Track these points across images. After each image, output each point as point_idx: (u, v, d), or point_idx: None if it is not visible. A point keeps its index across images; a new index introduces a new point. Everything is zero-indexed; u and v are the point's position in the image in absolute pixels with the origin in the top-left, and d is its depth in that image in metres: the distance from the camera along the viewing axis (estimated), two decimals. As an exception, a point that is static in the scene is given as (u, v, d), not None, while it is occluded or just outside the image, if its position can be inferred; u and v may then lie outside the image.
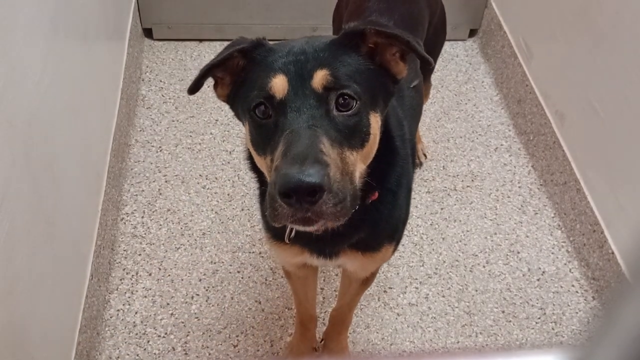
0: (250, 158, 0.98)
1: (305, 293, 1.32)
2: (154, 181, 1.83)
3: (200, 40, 2.30)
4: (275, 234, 1.06)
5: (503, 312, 1.58)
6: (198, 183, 1.82)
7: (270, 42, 0.94)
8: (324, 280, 1.62)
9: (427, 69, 1.56)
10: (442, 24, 1.63)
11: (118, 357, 1.44)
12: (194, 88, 0.95)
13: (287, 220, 0.77)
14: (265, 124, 0.84)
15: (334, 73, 0.82)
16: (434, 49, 1.59)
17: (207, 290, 1.57)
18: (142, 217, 1.73)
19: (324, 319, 1.54)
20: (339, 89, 0.82)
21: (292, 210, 0.75)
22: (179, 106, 2.06)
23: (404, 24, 1.31)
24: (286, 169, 0.74)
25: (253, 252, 1.67)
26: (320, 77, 0.82)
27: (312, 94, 0.82)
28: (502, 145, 2.01)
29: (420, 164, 1.90)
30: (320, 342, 1.47)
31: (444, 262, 1.68)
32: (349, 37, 0.87)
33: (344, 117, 0.82)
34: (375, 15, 1.30)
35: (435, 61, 1.62)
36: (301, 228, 0.82)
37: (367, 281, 1.27)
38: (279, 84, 0.83)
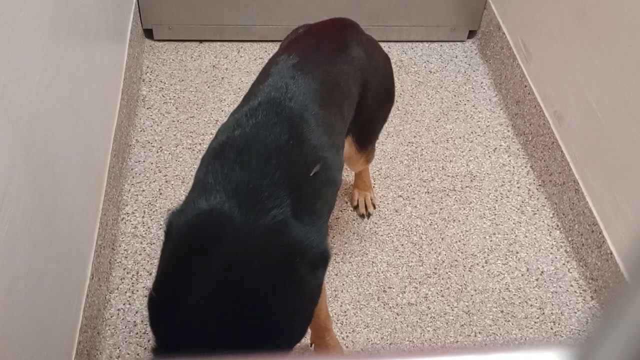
0: None
1: None
2: (154, 181, 1.83)
3: (201, 41, 2.30)
4: None
5: (502, 311, 1.59)
6: (198, 183, 1.82)
7: None
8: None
9: (368, 137, 1.45)
10: (386, 92, 1.44)
11: (119, 357, 1.44)
12: None
13: None
14: None
15: None
16: (376, 118, 1.45)
17: (207, 290, 1.58)
18: (143, 217, 1.74)
19: (323, 319, 1.54)
20: None
21: None
22: (180, 107, 2.06)
23: (322, 88, 1.14)
24: None
25: (253, 252, 1.67)
26: None
27: None
28: (501, 145, 2.02)
29: (369, 214, 1.77)
30: (310, 345, 1.47)
31: (443, 262, 1.68)
32: None
33: None
34: (286, 74, 1.13)
35: (381, 127, 1.51)
36: None
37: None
38: None
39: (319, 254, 1.00)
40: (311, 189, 1.05)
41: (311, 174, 1.05)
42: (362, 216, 1.77)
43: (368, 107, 1.33)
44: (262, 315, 0.92)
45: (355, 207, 1.79)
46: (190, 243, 0.96)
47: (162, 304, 0.96)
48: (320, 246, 1.00)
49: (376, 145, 1.62)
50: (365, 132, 1.42)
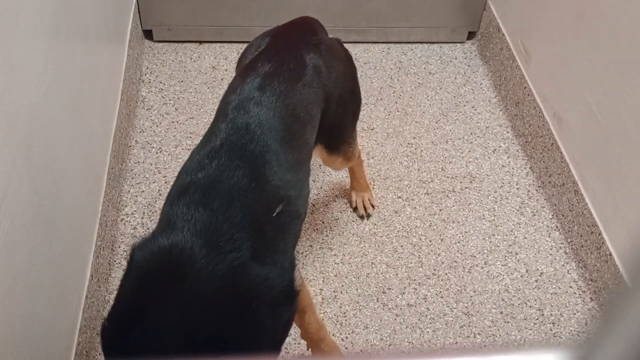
0: None
1: None
2: (153, 182, 1.83)
3: (201, 42, 2.31)
4: None
5: (501, 313, 1.59)
6: (197, 184, 1.82)
7: None
8: (322, 281, 1.62)
9: (337, 142, 1.44)
10: (350, 95, 1.41)
11: (118, 358, 1.44)
12: None
13: None
14: None
15: None
16: (343, 122, 1.43)
17: (206, 291, 1.58)
18: (142, 217, 1.74)
19: (322, 320, 1.54)
20: None
21: None
22: (179, 107, 2.06)
23: (282, 125, 1.13)
24: None
25: (252, 253, 1.67)
26: None
27: None
28: (500, 147, 2.02)
29: (369, 215, 1.77)
30: (308, 349, 1.46)
31: (443, 263, 1.68)
32: None
33: None
34: (244, 111, 1.11)
35: (353, 126, 1.49)
36: None
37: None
38: None
39: (281, 292, 1.01)
40: (274, 228, 1.06)
41: (274, 214, 1.05)
42: (361, 217, 1.77)
43: (333, 115, 1.32)
44: (218, 357, 0.92)
45: (355, 209, 1.79)
46: (148, 279, 0.97)
47: (113, 335, 0.96)
48: (281, 284, 1.01)
49: (360, 145, 1.62)
50: (334, 138, 1.41)
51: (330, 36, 1.48)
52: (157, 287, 0.95)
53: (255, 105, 1.12)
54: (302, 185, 1.16)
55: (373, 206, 1.78)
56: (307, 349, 1.44)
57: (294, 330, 1.48)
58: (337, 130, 1.41)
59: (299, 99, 1.19)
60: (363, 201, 1.77)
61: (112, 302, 1.02)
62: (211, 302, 0.94)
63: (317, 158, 1.54)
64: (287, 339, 1.48)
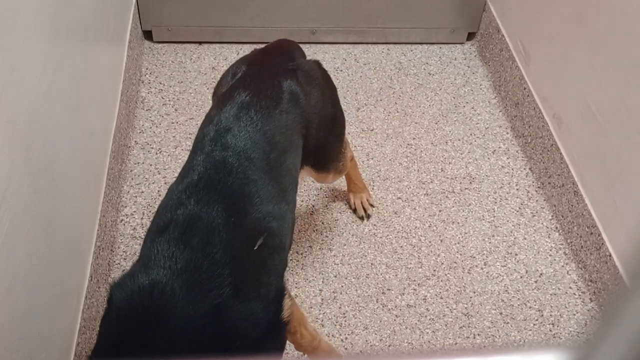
0: None
1: None
2: (153, 183, 1.83)
3: (200, 43, 2.31)
4: None
5: (501, 313, 1.59)
6: (197, 185, 1.82)
7: None
8: (322, 281, 1.62)
9: (325, 162, 1.43)
10: (332, 118, 1.39)
11: (117, 358, 1.44)
12: None
13: None
14: None
15: None
16: (328, 143, 1.41)
17: (206, 291, 1.58)
18: (142, 218, 1.74)
19: (322, 321, 1.54)
20: None
21: None
22: (179, 108, 2.06)
23: (260, 154, 1.11)
24: None
25: (252, 254, 1.67)
26: None
27: None
28: (500, 147, 2.02)
29: (369, 216, 1.77)
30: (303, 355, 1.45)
31: (442, 263, 1.68)
32: None
33: None
34: (221, 144, 1.10)
35: (339, 145, 1.47)
36: None
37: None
38: None
39: (266, 327, 1.00)
40: (256, 262, 1.04)
41: (255, 248, 1.04)
42: (361, 218, 1.77)
43: (315, 140, 1.30)
44: None
45: (354, 211, 1.78)
46: (128, 321, 0.95)
47: None
48: (266, 318, 1.00)
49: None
50: (320, 159, 1.40)
51: (309, 58, 1.45)
52: (137, 328, 0.94)
53: (232, 137, 1.10)
54: (284, 216, 1.13)
55: (372, 206, 1.78)
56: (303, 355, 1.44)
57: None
58: (322, 152, 1.39)
59: (276, 125, 1.17)
60: (362, 202, 1.77)
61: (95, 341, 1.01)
62: (193, 343, 0.93)
63: (309, 179, 1.53)
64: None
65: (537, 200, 1.86)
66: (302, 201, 1.81)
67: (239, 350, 0.95)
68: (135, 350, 0.92)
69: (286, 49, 1.42)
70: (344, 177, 1.77)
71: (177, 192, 1.06)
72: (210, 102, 2.06)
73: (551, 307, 1.61)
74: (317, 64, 1.43)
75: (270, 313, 1.01)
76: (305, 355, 1.42)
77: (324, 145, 1.39)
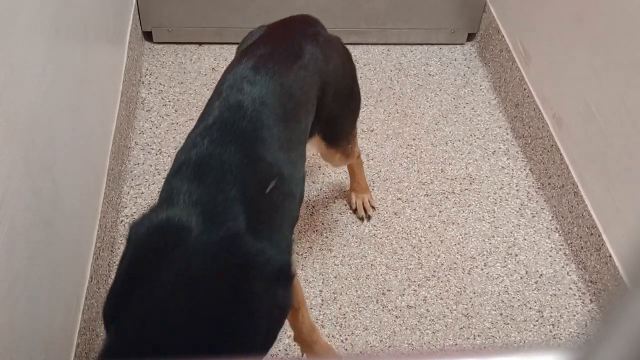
0: None
1: None
2: (153, 184, 1.83)
3: (200, 44, 2.31)
4: None
5: (501, 314, 1.59)
6: (197, 185, 1.82)
7: None
8: (322, 282, 1.62)
9: (335, 135, 1.43)
10: (347, 90, 1.41)
11: (117, 359, 1.44)
12: None
13: None
14: None
15: None
16: (341, 116, 1.43)
17: (206, 292, 1.58)
18: (141, 219, 1.74)
19: (322, 322, 1.54)
20: None
21: None
22: (179, 109, 2.06)
23: (276, 102, 1.13)
24: None
25: (252, 255, 1.67)
26: None
27: None
28: (500, 148, 2.02)
29: (369, 217, 1.77)
30: (302, 355, 1.44)
31: (442, 264, 1.68)
32: None
33: None
34: (238, 89, 1.12)
35: (352, 123, 1.49)
36: None
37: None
38: None
39: (276, 270, 1.00)
40: (268, 205, 1.06)
41: (267, 191, 1.05)
42: (361, 219, 1.77)
43: (330, 107, 1.32)
44: (213, 326, 0.93)
45: (354, 211, 1.78)
46: (147, 249, 0.98)
47: (113, 309, 0.97)
48: (277, 262, 1.00)
49: (359, 147, 1.62)
50: (332, 131, 1.42)
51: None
52: (154, 257, 0.96)
53: (249, 84, 1.12)
54: (295, 165, 1.15)
55: (373, 208, 1.78)
56: (302, 355, 1.44)
57: (288, 330, 1.49)
58: (334, 122, 1.41)
59: (294, 79, 1.19)
60: (363, 203, 1.77)
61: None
62: (209, 271, 0.95)
63: (317, 154, 1.54)
64: (284, 342, 1.48)
65: (537, 201, 1.86)
66: (302, 202, 1.81)
67: (252, 281, 0.96)
68: (151, 278, 0.93)
69: (309, 20, 1.45)
70: (347, 174, 1.77)
71: (193, 136, 1.08)
72: (210, 102, 2.06)
73: (551, 308, 1.61)
74: (339, 38, 1.45)
75: (280, 259, 1.02)
76: (304, 356, 1.42)
77: (337, 117, 1.41)
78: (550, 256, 1.72)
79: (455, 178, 1.91)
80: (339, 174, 1.88)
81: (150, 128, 2.00)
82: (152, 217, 0.99)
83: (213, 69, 2.20)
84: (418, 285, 1.63)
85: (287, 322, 1.52)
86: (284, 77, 1.16)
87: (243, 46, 1.36)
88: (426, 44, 2.38)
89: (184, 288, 0.94)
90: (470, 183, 1.90)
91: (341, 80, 1.36)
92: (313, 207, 1.81)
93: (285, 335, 1.50)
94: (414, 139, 2.02)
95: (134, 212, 1.75)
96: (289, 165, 1.12)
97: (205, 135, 1.05)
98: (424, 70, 2.28)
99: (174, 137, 1.97)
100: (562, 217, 1.78)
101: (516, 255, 1.72)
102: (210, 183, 1.00)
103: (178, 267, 0.94)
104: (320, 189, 1.85)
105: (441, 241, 1.74)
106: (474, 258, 1.71)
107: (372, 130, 2.04)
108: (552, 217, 1.82)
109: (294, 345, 1.46)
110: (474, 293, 1.63)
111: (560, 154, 1.79)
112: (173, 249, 0.95)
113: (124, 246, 1.02)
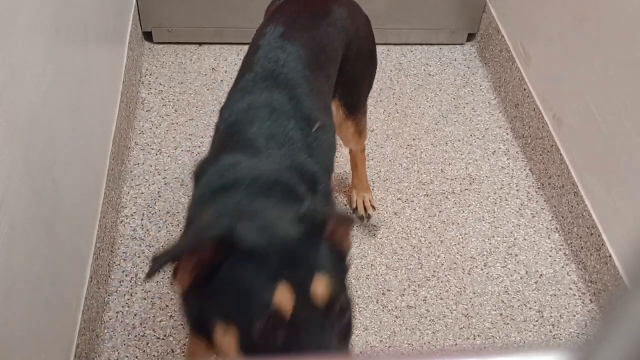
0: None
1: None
2: (153, 184, 1.83)
3: (200, 44, 2.31)
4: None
5: (501, 314, 1.59)
6: (197, 185, 1.82)
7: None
8: (322, 282, 1.62)
9: (354, 100, 1.48)
10: (369, 52, 1.48)
11: (117, 359, 1.44)
12: (151, 274, 0.79)
13: None
14: (269, 339, 0.75)
15: (331, 280, 0.78)
16: (361, 80, 1.48)
17: (206, 292, 1.58)
18: (142, 219, 1.74)
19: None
20: (338, 299, 0.79)
21: None
22: (179, 109, 2.06)
23: (309, 54, 1.21)
24: None
25: (252, 255, 1.67)
26: (322, 290, 0.77)
27: (317, 308, 0.76)
28: (500, 148, 2.02)
29: (369, 216, 1.77)
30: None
31: (442, 264, 1.68)
32: (314, 228, 0.83)
33: (341, 327, 0.80)
34: (274, 44, 1.21)
35: (365, 93, 1.54)
36: None
37: None
38: (285, 299, 0.74)
39: (328, 191, 1.12)
40: (315, 142, 1.14)
41: (313, 130, 1.15)
42: (361, 218, 1.77)
43: (352, 67, 1.38)
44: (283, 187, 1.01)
45: (354, 210, 1.78)
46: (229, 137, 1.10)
47: (203, 168, 1.07)
48: (327, 186, 1.12)
49: (368, 134, 1.65)
50: (351, 94, 1.46)
51: None
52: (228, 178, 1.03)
53: (283, 39, 1.21)
54: (329, 114, 1.26)
55: (373, 207, 1.78)
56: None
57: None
58: (354, 85, 1.46)
59: (323, 34, 1.28)
60: (364, 202, 1.77)
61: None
62: (280, 183, 1.01)
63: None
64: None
65: (537, 201, 1.86)
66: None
67: (319, 193, 1.05)
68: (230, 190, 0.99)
69: None
70: (347, 171, 1.78)
71: (238, 88, 1.17)
72: (210, 102, 2.07)
73: (551, 308, 1.61)
74: (358, 4, 1.51)
75: (329, 188, 1.13)
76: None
77: (357, 79, 1.47)
78: (550, 256, 1.72)
79: (455, 178, 1.91)
80: (338, 173, 1.88)
81: (150, 128, 2.00)
82: (211, 158, 1.08)
83: (213, 69, 2.20)
84: (418, 285, 1.63)
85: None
86: (314, 32, 1.26)
87: (272, 7, 1.47)
88: (426, 44, 2.38)
89: (263, 176, 1.01)
90: (470, 183, 1.90)
91: (364, 41, 1.44)
92: (313, 207, 1.81)
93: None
94: (414, 139, 2.02)
95: (134, 212, 1.75)
96: (324, 113, 1.22)
97: (254, 82, 1.15)
98: (424, 70, 2.28)
99: (173, 137, 1.97)
100: (562, 217, 1.78)
101: (516, 255, 1.72)
102: (266, 118, 1.09)
103: (257, 169, 1.02)
104: (320, 189, 1.85)
105: (441, 241, 1.74)
106: (474, 258, 1.71)
107: (372, 130, 2.04)
108: (552, 217, 1.82)
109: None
110: (474, 293, 1.63)
111: (560, 154, 1.79)
112: (249, 162, 1.04)
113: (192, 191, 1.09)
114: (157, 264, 0.78)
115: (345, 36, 1.34)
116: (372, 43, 1.50)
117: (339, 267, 0.87)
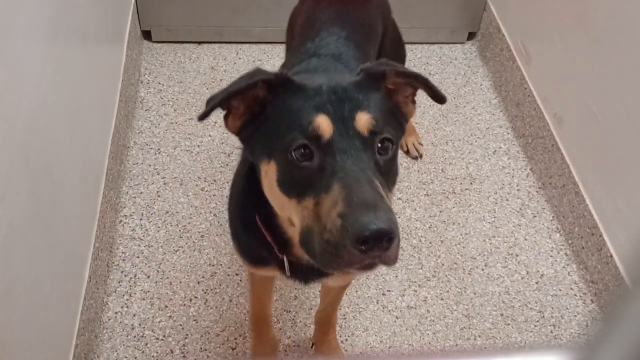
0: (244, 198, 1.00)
1: (264, 291, 1.34)
2: (152, 183, 1.83)
3: (199, 43, 2.30)
4: (252, 258, 1.10)
5: (501, 315, 1.58)
6: (196, 185, 1.82)
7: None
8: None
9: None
10: (398, 37, 1.64)
11: (116, 360, 1.44)
12: (205, 116, 0.85)
13: (353, 266, 0.76)
14: (305, 166, 0.79)
15: (375, 116, 0.82)
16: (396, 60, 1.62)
17: (205, 292, 1.57)
18: (141, 219, 1.73)
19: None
20: (380, 133, 0.82)
21: (362, 256, 0.74)
22: (178, 108, 2.06)
23: (357, 33, 1.31)
24: (360, 215, 0.72)
25: (251, 255, 1.67)
26: (364, 121, 0.81)
27: (357, 137, 0.80)
28: (500, 148, 2.01)
29: (421, 155, 1.96)
30: (311, 347, 1.47)
31: (443, 264, 1.68)
32: (372, 77, 0.87)
33: (384, 161, 0.82)
34: (327, 26, 1.30)
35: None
36: (363, 272, 0.83)
37: (346, 285, 1.30)
38: (325, 125, 0.79)
39: None
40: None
41: None
42: (414, 158, 1.93)
43: (386, 48, 1.48)
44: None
45: (406, 152, 1.94)
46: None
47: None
48: None
49: None
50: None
51: None
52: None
53: (338, 21, 1.30)
54: None
55: (421, 144, 1.96)
56: (311, 346, 1.45)
57: (288, 331, 1.48)
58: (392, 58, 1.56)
59: (368, 16, 1.40)
60: (414, 144, 1.93)
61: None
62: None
63: None
64: (284, 342, 1.48)
65: (537, 201, 1.86)
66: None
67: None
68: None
69: None
70: None
71: (299, 55, 1.24)
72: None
73: (552, 308, 1.60)
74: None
75: None
76: (313, 348, 1.42)
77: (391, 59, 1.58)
78: (551, 256, 1.72)
79: (456, 178, 1.91)
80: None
81: (149, 127, 2.00)
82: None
83: (212, 68, 2.20)
84: (418, 285, 1.63)
85: (283, 324, 1.52)
86: (360, 14, 1.37)
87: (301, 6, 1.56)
88: (426, 43, 2.37)
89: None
90: (471, 183, 1.90)
91: (394, 26, 1.58)
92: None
93: (285, 336, 1.50)
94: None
95: (133, 212, 1.75)
96: None
97: (312, 51, 1.23)
98: (424, 69, 2.27)
99: (172, 137, 1.97)
100: (563, 217, 1.77)
101: (517, 256, 1.71)
102: (330, 68, 1.18)
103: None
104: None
105: (441, 241, 1.74)
106: (475, 258, 1.70)
107: (372, 130, 2.03)
108: (553, 217, 1.81)
109: (295, 345, 1.46)
110: (475, 293, 1.62)
111: (561, 154, 1.78)
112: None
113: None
114: (212, 102, 0.84)
115: (382, 20, 1.46)
116: (398, 30, 1.64)
117: (393, 122, 0.88)
